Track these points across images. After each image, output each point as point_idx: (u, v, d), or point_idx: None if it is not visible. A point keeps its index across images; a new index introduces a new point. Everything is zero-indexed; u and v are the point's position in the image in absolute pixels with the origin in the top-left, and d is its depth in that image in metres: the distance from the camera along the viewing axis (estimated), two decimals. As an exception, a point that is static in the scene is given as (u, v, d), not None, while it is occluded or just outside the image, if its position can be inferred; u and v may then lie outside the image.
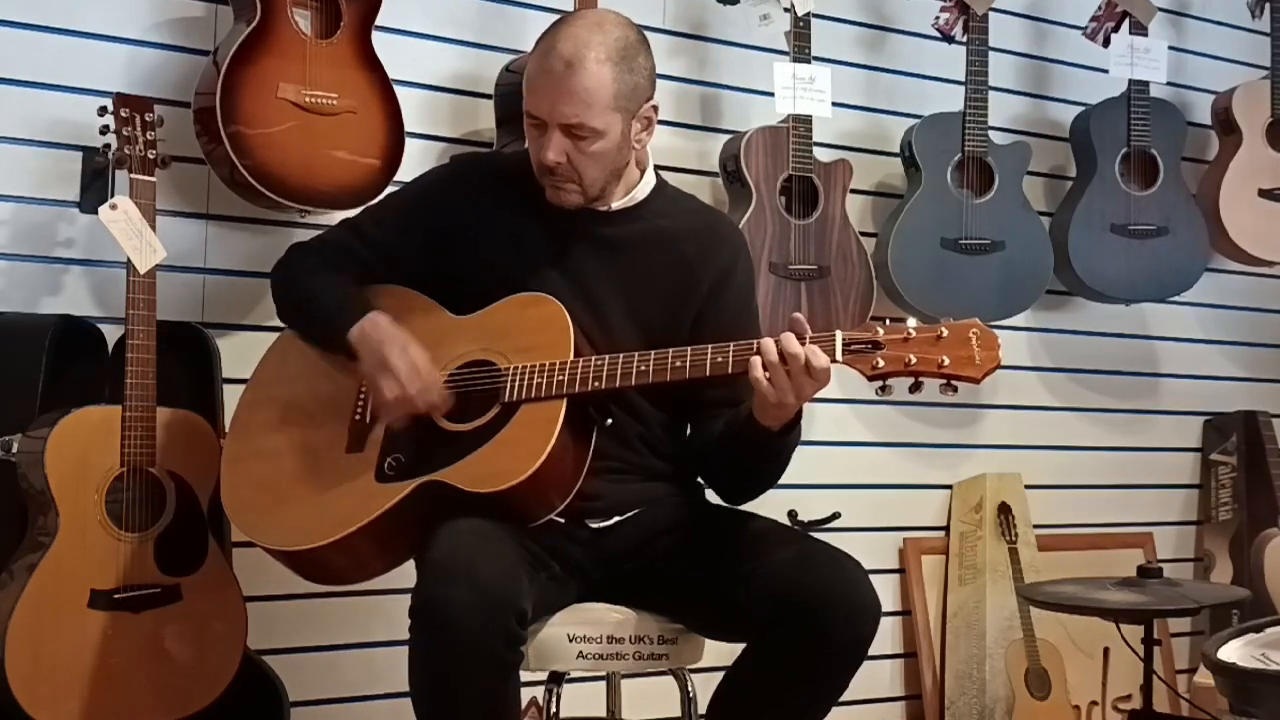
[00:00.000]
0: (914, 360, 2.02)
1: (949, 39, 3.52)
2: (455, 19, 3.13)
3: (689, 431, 2.40)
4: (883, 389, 2.06)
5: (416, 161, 2.93)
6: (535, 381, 2.16)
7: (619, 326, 2.29)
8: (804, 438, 2.26)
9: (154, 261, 2.48)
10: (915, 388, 2.05)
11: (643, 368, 2.14)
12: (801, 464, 2.33)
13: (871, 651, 2.13)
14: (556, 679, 2.32)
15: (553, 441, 2.10)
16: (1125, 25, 3.70)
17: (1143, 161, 3.74)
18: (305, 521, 2.20)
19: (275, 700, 2.66)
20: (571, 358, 2.17)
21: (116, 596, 2.41)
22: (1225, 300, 4.20)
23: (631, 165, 2.35)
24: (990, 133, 3.52)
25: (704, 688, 2.29)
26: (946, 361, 2.01)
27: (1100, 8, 3.72)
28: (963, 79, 3.49)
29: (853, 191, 3.43)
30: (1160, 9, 3.77)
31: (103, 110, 2.51)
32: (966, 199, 3.51)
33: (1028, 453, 3.88)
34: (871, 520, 3.62)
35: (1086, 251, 3.67)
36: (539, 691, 2.38)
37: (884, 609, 2.15)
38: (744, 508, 2.35)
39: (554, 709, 2.32)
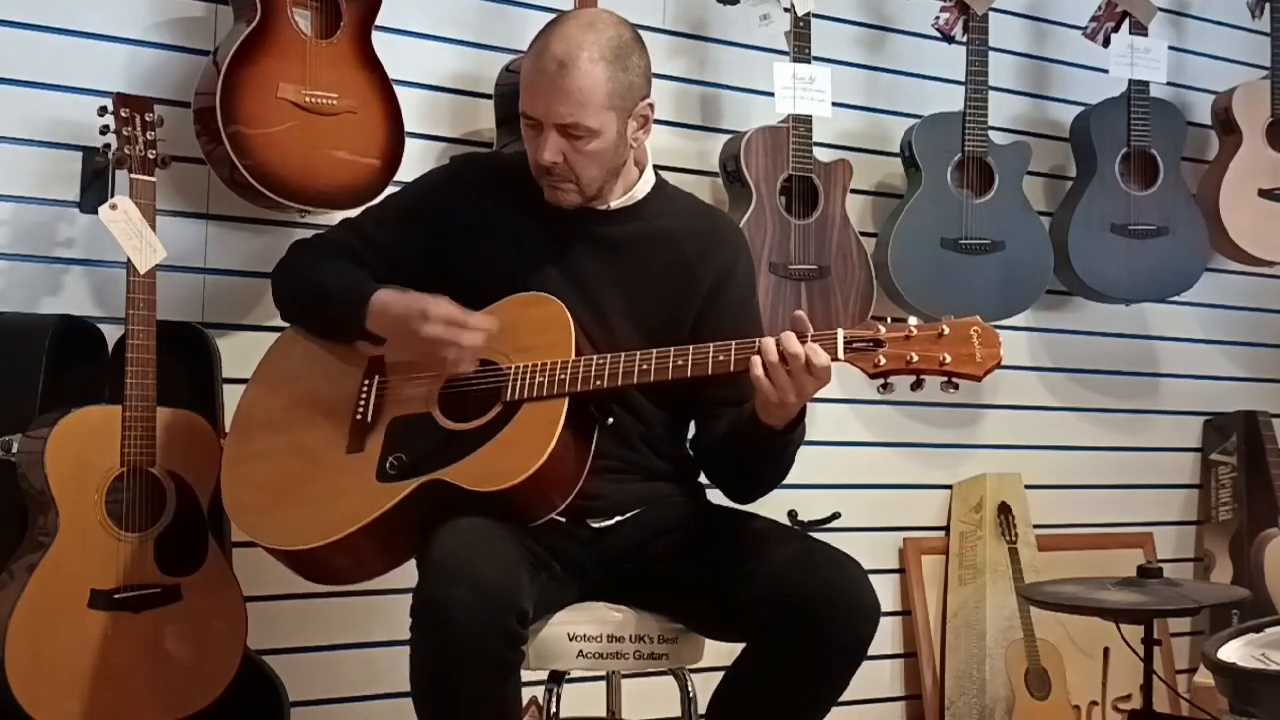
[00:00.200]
0: (915, 358, 2.02)
1: (949, 39, 3.52)
2: (455, 19, 3.13)
3: (694, 431, 2.40)
4: (884, 387, 2.06)
5: (416, 161, 2.93)
6: (537, 380, 2.16)
7: (619, 326, 2.29)
8: (804, 438, 2.26)
9: (154, 261, 2.48)
10: (916, 385, 2.05)
11: (644, 367, 2.14)
12: (801, 464, 2.33)
13: (871, 651, 2.13)
14: (557, 678, 2.32)
15: (554, 440, 2.10)
16: (1125, 25, 3.70)
17: (1143, 161, 3.74)
18: (306, 521, 2.20)
19: (275, 700, 2.66)
20: (573, 357, 2.17)
21: (116, 596, 2.41)
22: (1225, 300, 4.21)
23: (630, 164, 2.35)
24: (990, 133, 3.52)
25: (704, 688, 2.29)
26: (948, 359, 2.01)
27: (1100, 8, 3.72)
28: (963, 79, 3.49)
29: (853, 191, 3.43)
30: (1160, 9, 3.77)
31: (103, 110, 2.51)
32: (966, 199, 3.51)
33: (1028, 453, 3.88)
34: (871, 520, 3.62)
35: (1086, 251, 3.67)
36: (539, 691, 2.38)
37: (884, 609, 2.16)
38: (744, 508, 2.35)
39: (554, 709, 2.32)
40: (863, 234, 3.42)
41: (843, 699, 2.17)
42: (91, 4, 2.75)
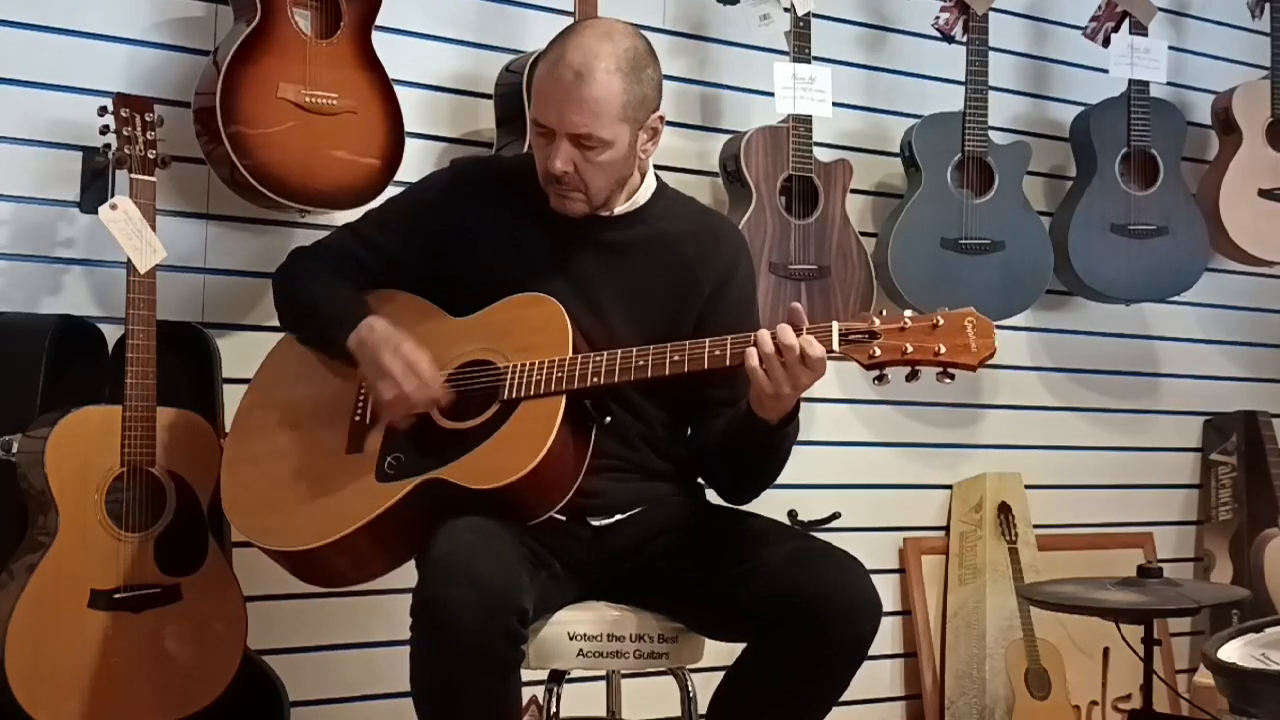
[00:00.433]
0: (910, 349, 2.02)
1: (949, 39, 3.52)
2: (455, 19, 3.13)
3: (691, 432, 2.40)
4: (879, 379, 2.07)
5: (416, 161, 2.93)
6: (534, 379, 2.16)
7: (621, 329, 2.28)
8: (804, 438, 2.27)
9: (154, 261, 2.48)
10: (912, 377, 2.05)
11: (641, 363, 2.14)
12: (801, 464, 2.33)
13: (871, 651, 2.13)
14: (557, 678, 2.32)
15: (552, 437, 2.10)
16: (1125, 25, 3.70)
17: (1143, 161, 3.74)
18: (305, 522, 2.20)
19: (275, 700, 2.66)
20: (570, 355, 2.17)
21: (117, 596, 2.41)
22: (1225, 300, 4.21)
23: (634, 171, 2.35)
24: (990, 133, 3.52)
25: (704, 688, 2.29)
26: (943, 349, 2.02)
27: (1100, 8, 3.72)
28: (963, 79, 3.49)
29: (853, 191, 3.43)
30: (1160, 9, 3.77)
31: (103, 110, 2.51)
32: (966, 199, 3.51)
33: (1028, 453, 3.88)
34: (871, 520, 3.62)
35: (1086, 251, 3.67)
36: (539, 690, 2.38)
37: (884, 609, 2.15)
38: (744, 508, 2.35)
39: (554, 708, 2.32)
40: (863, 234, 3.42)
41: (843, 699, 2.17)
42: (91, 4, 2.76)
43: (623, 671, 2.52)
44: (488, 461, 2.13)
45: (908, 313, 2.07)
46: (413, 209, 2.42)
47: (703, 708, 2.28)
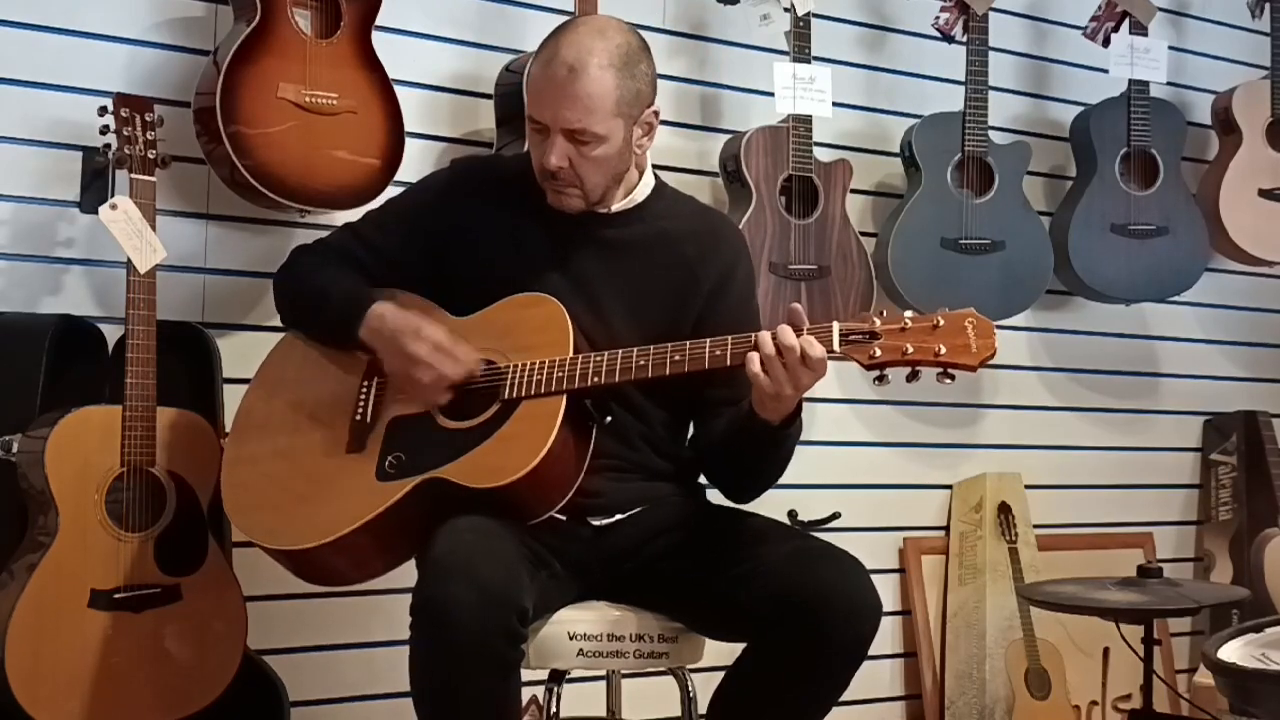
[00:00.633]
0: (911, 349, 2.03)
1: (949, 39, 3.52)
2: (455, 19, 3.13)
3: (693, 432, 2.40)
4: (880, 379, 2.07)
5: (416, 161, 2.93)
6: (535, 378, 2.17)
7: (621, 327, 2.29)
8: (804, 437, 2.26)
9: (154, 261, 2.48)
10: (912, 377, 2.06)
11: (641, 362, 2.14)
12: (801, 464, 2.33)
13: (871, 651, 2.13)
14: (557, 678, 2.32)
15: (553, 436, 2.10)
16: (1125, 25, 3.70)
17: (1143, 161, 3.74)
18: (305, 521, 2.20)
19: (275, 700, 2.66)
20: (570, 355, 2.17)
21: (117, 596, 2.41)
22: (1225, 300, 4.21)
23: (631, 168, 2.35)
24: (990, 133, 3.52)
25: (704, 688, 2.29)
26: (943, 350, 2.02)
27: (1100, 8, 3.72)
28: (963, 79, 3.49)
29: (853, 191, 3.43)
30: (1160, 9, 3.77)
31: (103, 110, 2.51)
32: (966, 199, 3.51)
33: (1028, 453, 3.88)
34: (871, 520, 3.62)
35: (1086, 251, 3.67)
36: (539, 690, 2.38)
37: (884, 609, 2.15)
38: (744, 508, 2.35)
39: (554, 708, 2.32)
40: (863, 234, 3.42)
41: (843, 699, 2.17)
42: (91, 4, 2.76)
43: (623, 671, 2.52)
44: (488, 461, 2.13)
45: (908, 313, 2.07)
46: (412, 209, 2.42)
47: (703, 708, 2.28)
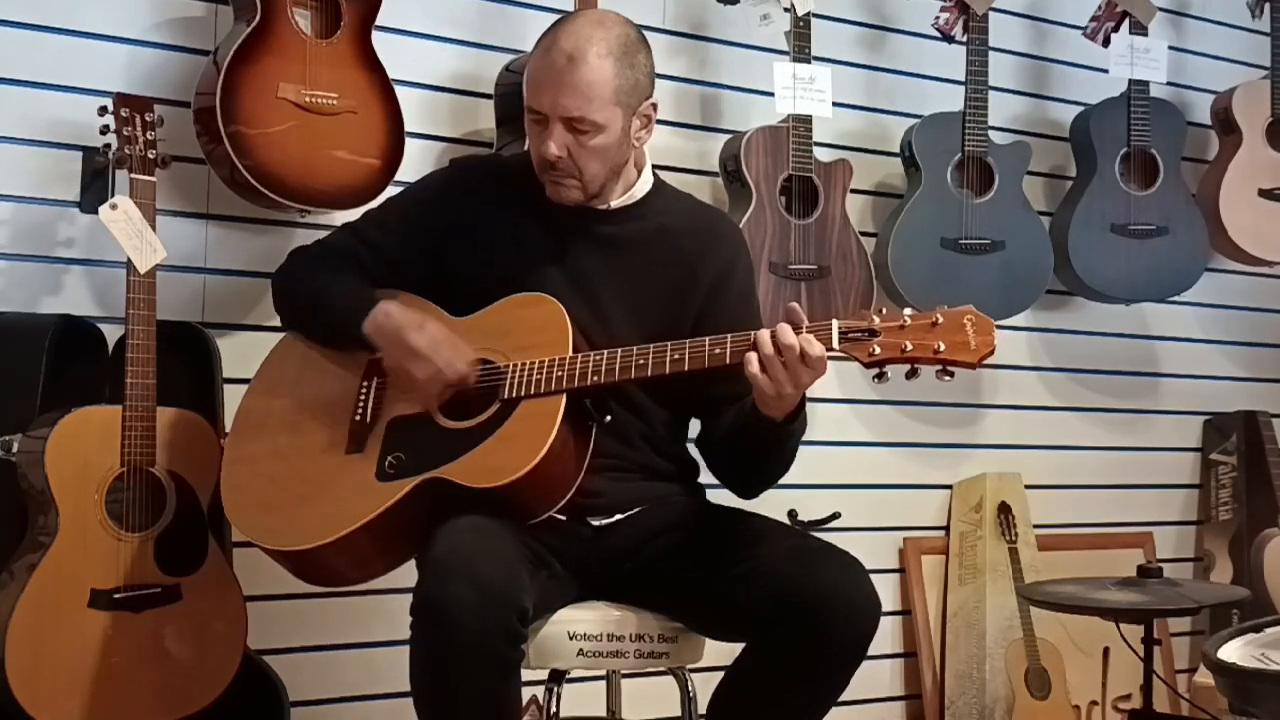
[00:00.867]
0: (910, 347, 2.03)
1: (949, 39, 3.52)
2: (455, 19, 3.13)
3: (698, 430, 2.41)
4: (879, 377, 2.07)
5: (416, 161, 2.93)
6: (534, 378, 2.17)
7: (620, 325, 2.29)
8: (804, 437, 2.26)
9: (154, 261, 2.48)
10: (911, 375, 2.06)
11: (641, 361, 2.14)
12: (801, 464, 2.33)
13: (871, 651, 2.13)
14: (557, 678, 2.32)
15: (552, 436, 2.10)
16: (1125, 25, 3.70)
17: (1143, 161, 3.74)
18: (305, 522, 2.20)
19: (275, 700, 2.66)
20: (570, 354, 2.17)
21: (117, 596, 2.41)
22: (1225, 300, 4.21)
23: (630, 164, 2.35)
24: (990, 133, 3.52)
25: (704, 688, 2.29)
26: (942, 347, 2.02)
27: (1100, 8, 3.72)
28: (963, 79, 3.49)
29: (853, 191, 3.43)
30: (1160, 9, 3.77)
31: (103, 110, 2.51)
32: (966, 199, 3.51)
33: (1028, 453, 3.88)
34: (871, 520, 3.62)
35: (1086, 251, 3.67)
36: (539, 690, 2.38)
37: (884, 609, 2.15)
38: (744, 507, 2.35)
39: (554, 708, 2.32)
40: (863, 234, 3.42)
41: (843, 699, 2.17)
42: (91, 4, 2.76)
43: (623, 671, 2.52)
44: (488, 460, 2.13)
45: (907, 311, 2.07)
46: (412, 209, 2.42)
47: (703, 708, 2.27)
